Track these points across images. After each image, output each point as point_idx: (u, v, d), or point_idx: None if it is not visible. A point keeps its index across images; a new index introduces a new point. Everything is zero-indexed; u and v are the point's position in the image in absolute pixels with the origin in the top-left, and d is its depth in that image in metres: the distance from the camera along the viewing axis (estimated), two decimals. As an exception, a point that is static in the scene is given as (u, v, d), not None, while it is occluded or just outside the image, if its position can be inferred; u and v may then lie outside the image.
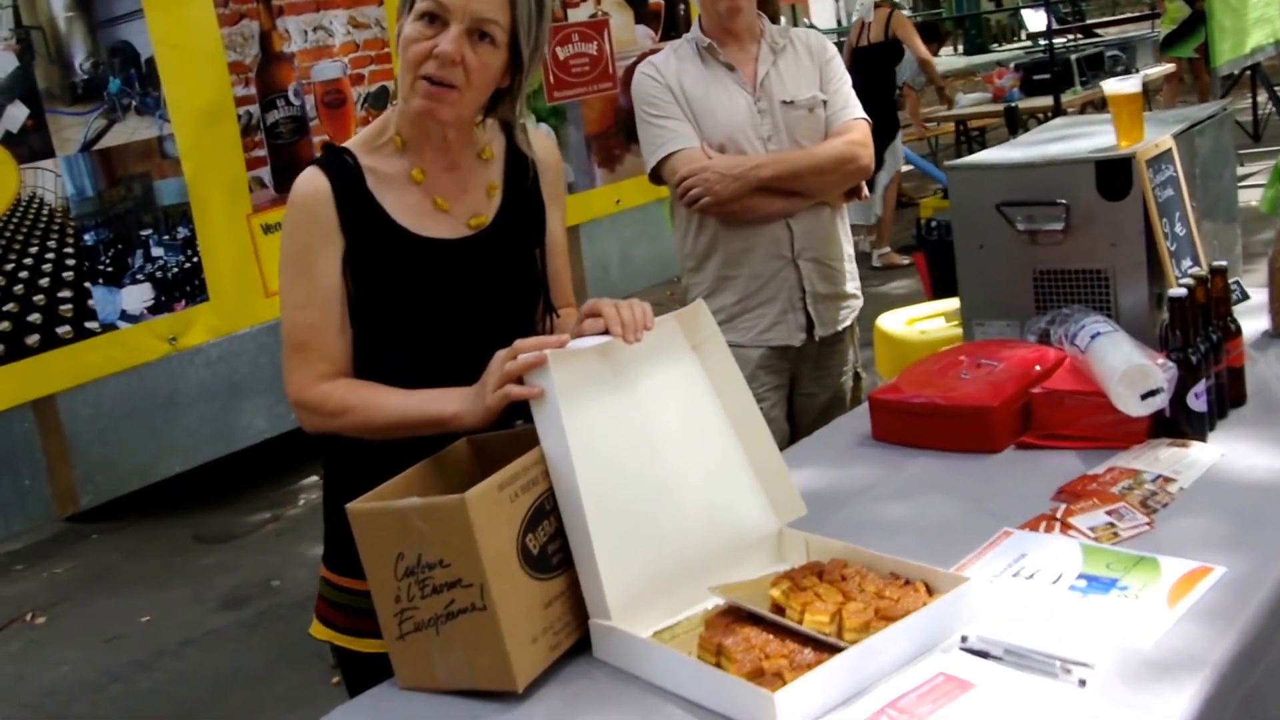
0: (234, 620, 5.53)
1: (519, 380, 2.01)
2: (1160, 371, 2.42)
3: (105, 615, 5.79)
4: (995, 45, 27.62)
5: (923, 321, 5.26)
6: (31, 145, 3.57)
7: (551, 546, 1.96)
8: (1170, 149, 2.94)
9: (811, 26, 15.60)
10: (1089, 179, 2.86)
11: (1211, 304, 2.56)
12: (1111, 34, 18.58)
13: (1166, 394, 2.42)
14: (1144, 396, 2.42)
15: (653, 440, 2.10)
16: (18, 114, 3.53)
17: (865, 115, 3.57)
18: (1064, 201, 2.88)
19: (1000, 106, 11.02)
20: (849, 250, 3.68)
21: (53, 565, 6.52)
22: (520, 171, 2.40)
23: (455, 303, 2.29)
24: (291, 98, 4.22)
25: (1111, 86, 2.99)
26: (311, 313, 2.23)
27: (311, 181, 2.22)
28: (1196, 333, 2.51)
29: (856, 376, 3.77)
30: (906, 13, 13.34)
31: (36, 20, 3.58)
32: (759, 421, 2.22)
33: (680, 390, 2.17)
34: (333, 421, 2.25)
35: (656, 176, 3.56)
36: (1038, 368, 2.73)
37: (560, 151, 4.98)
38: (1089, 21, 24.18)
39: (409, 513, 1.91)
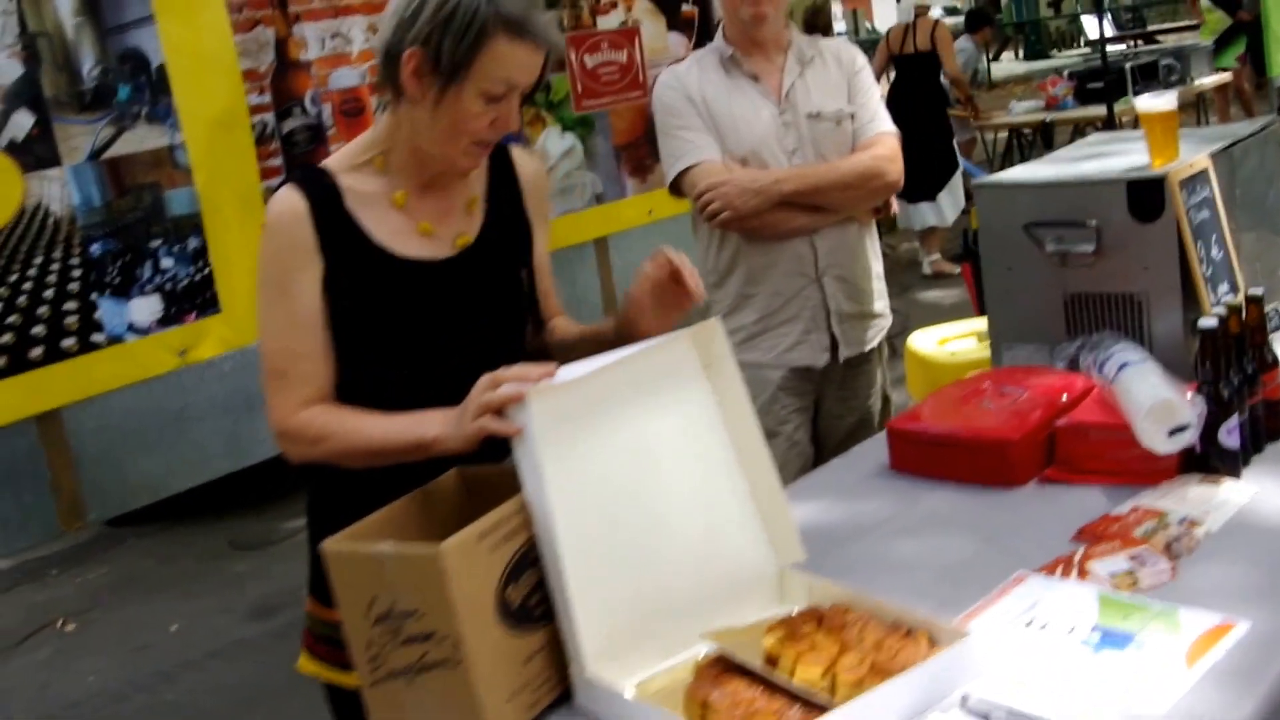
0: (262, 630, 5.46)
1: (500, 410, 1.91)
2: (1189, 407, 2.29)
3: (135, 623, 5.75)
4: (1055, 51, 27.46)
5: (954, 341, 5.15)
6: (37, 153, 3.54)
7: (534, 599, 1.85)
8: (1206, 169, 2.80)
9: (873, 31, 15.55)
10: (1120, 200, 2.73)
11: (1246, 334, 2.42)
12: (1171, 41, 18.32)
13: (1195, 430, 2.30)
14: (1171, 433, 2.29)
15: (647, 472, 1.99)
16: (23, 122, 3.49)
17: (894, 128, 3.44)
18: (1094, 223, 2.75)
19: (1052, 115, 10.90)
20: (878, 268, 3.55)
21: (87, 570, 6.50)
22: (506, 188, 2.35)
23: (440, 322, 2.23)
24: (308, 106, 4.16)
25: (1143, 104, 2.84)
26: (291, 338, 2.16)
27: (287, 201, 2.15)
28: (1230, 365, 2.37)
29: (885, 398, 3.65)
30: (950, 21, 13.16)
31: (43, 26, 3.54)
32: (764, 454, 2.10)
33: (684, 416, 2.06)
34: (315, 449, 2.18)
35: (676, 189, 3.46)
36: (1064, 397, 2.60)
37: (588, 161, 4.89)
38: (1150, 28, 23.89)
39: (383, 559, 1.82)
